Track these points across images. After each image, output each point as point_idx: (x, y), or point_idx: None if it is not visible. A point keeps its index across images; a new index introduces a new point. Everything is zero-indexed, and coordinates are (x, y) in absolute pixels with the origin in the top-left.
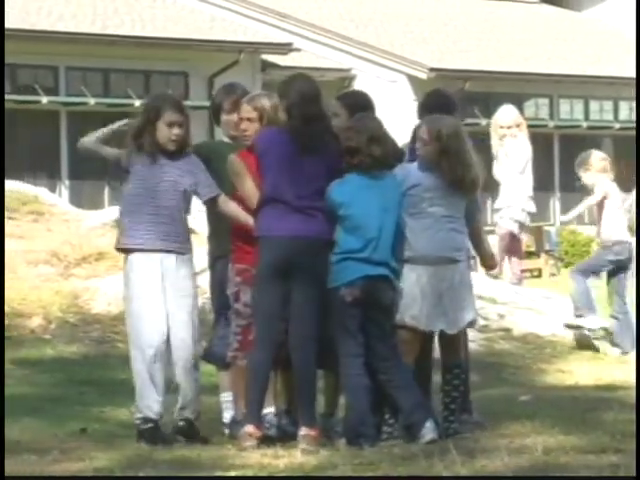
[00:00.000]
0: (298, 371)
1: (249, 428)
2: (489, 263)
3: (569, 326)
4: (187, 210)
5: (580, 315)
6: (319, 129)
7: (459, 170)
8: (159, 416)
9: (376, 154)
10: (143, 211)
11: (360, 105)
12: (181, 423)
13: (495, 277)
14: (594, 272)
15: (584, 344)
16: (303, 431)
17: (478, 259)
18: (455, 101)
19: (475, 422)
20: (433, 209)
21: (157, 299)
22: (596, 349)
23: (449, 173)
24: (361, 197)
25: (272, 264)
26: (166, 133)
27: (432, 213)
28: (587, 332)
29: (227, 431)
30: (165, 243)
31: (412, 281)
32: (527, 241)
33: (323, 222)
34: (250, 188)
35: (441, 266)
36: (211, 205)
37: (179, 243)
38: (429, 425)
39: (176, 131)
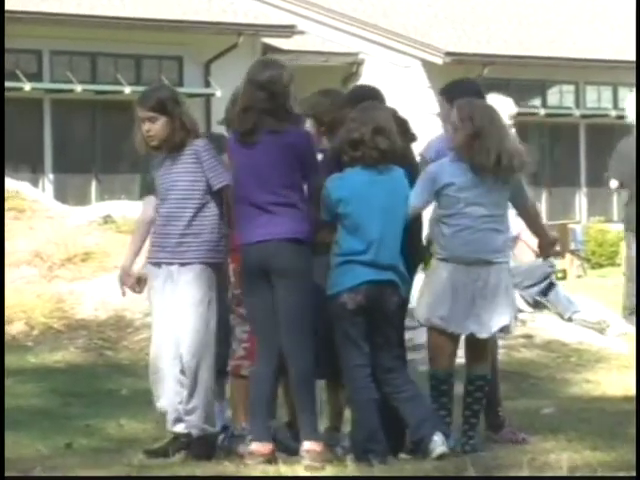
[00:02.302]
0: (294, 380)
1: (255, 446)
2: (549, 248)
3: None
4: (201, 209)
5: (570, 318)
6: (252, 118)
7: (493, 154)
8: (174, 429)
9: (382, 147)
10: (157, 220)
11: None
12: (183, 439)
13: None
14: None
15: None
16: (306, 446)
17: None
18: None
19: (507, 438)
20: (470, 209)
21: (162, 310)
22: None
23: (481, 157)
24: (361, 194)
25: (248, 273)
26: (142, 130)
27: (469, 213)
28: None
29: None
30: (164, 254)
31: (443, 279)
32: None
33: (295, 221)
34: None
35: (475, 266)
36: (222, 195)
37: (179, 252)
38: (437, 439)
39: (145, 127)
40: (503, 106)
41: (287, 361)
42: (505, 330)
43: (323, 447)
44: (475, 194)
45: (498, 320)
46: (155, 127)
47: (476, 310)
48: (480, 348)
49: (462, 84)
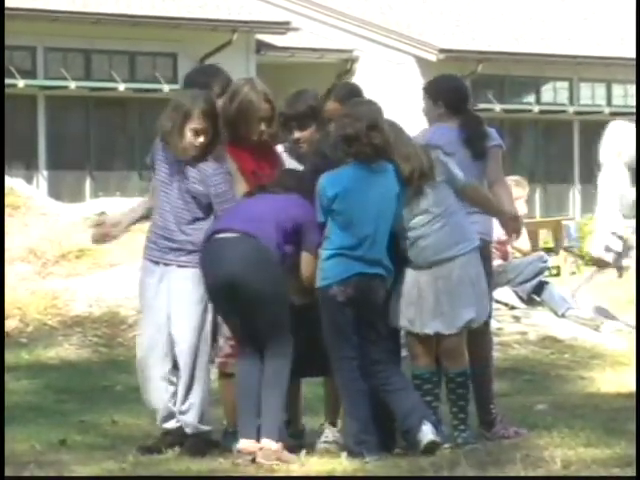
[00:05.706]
0: (267, 377)
1: (242, 444)
2: (512, 224)
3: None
4: (204, 217)
5: (563, 315)
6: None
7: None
8: (164, 425)
9: (376, 142)
10: (156, 218)
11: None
12: (175, 433)
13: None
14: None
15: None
16: (262, 442)
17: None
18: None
19: (501, 436)
20: (415, 221)
21: (155, 308)
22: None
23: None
24: (357, 190)
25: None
26: (191, 140)
27: (415, 224)
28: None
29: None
30: (161, 254)
31: (408, 282)
32: (545, 237)
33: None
34: (240, 193)
35: (438, 266)
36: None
37: (178, 253)
38: (425, 428)
39: (200, 140)
40: (623, 137)
41: (264, 357)
42: (472, 323)
43: (279, 447)
44: (412, 206)
45: (463, 314)
46: (207, 138)
47: (442, 308)
48: (452, 345)
49: (444, 81)
